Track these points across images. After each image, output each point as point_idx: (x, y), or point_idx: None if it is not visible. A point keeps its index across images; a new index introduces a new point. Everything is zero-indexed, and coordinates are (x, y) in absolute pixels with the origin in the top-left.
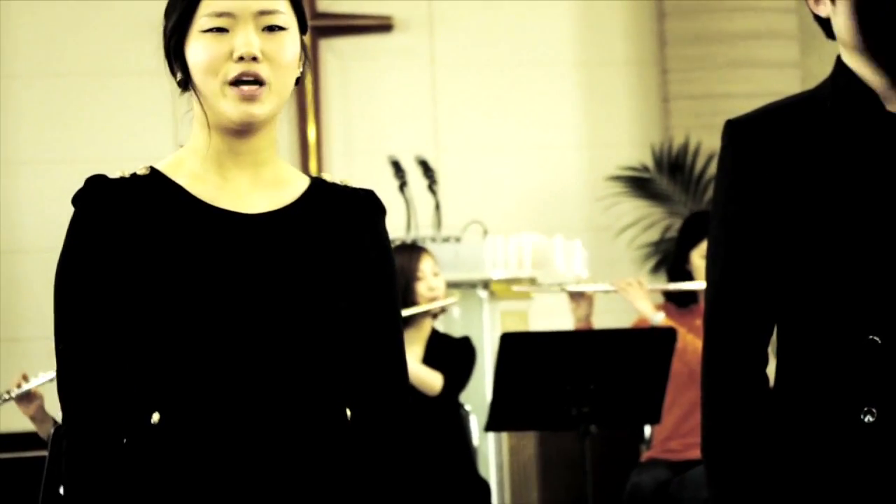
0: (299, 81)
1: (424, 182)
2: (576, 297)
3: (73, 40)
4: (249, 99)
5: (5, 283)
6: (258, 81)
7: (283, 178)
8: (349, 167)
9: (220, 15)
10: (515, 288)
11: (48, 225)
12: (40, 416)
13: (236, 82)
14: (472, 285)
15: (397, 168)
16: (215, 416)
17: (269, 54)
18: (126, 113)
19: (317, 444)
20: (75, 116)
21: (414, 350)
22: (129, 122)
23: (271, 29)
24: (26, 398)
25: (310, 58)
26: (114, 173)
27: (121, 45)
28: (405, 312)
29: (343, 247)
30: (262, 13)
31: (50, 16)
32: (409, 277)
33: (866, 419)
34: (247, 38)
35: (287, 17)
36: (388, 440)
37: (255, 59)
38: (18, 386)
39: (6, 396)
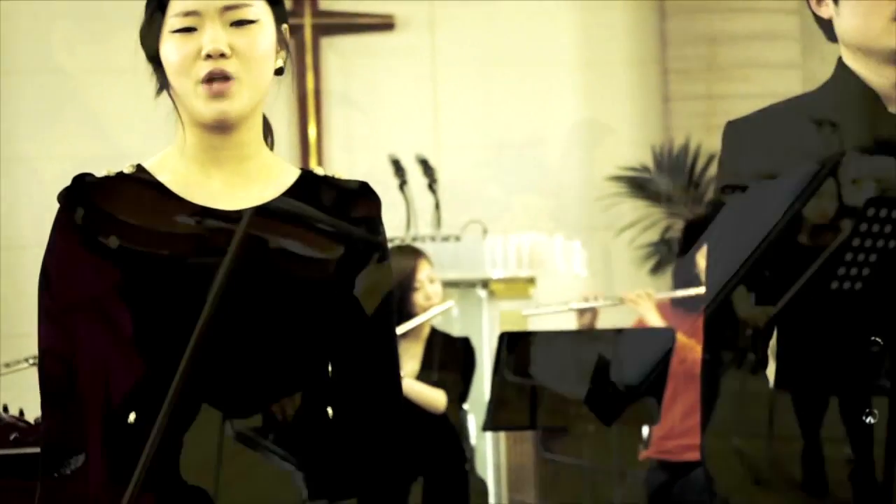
0: (282, 72)
1: (424, 181)
2: (583, 310)
3: (73, 36)
4: (219, 95)
5: (6, 278)
6: (228, 78)
7: (270, 172)
8: (349, 165)
9: (187, 14)
10: (525, 312)
11: (49, 221)
12: None
13: (207, 80)
14: (471, 284)
15: (397, 167)
16: (192, 414)
17: (239, 49)
18: (127, 109)
19: (295, 443)
20: (76, 112)
21: (413, 350)
22: (130, 119)
23: (240, 23)
24: None
25: (290, 48)
26: (100, 172)
27: (122, 41)
28: (404, 328)
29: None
30: (228, 8)
31: (49, 12)
32: (406, 288)
33: (868, 420)
34: (213, 36)
35: (257, 9)
36: (375, 437)
37: (223, 55)
38: None
39: (32, 361)
